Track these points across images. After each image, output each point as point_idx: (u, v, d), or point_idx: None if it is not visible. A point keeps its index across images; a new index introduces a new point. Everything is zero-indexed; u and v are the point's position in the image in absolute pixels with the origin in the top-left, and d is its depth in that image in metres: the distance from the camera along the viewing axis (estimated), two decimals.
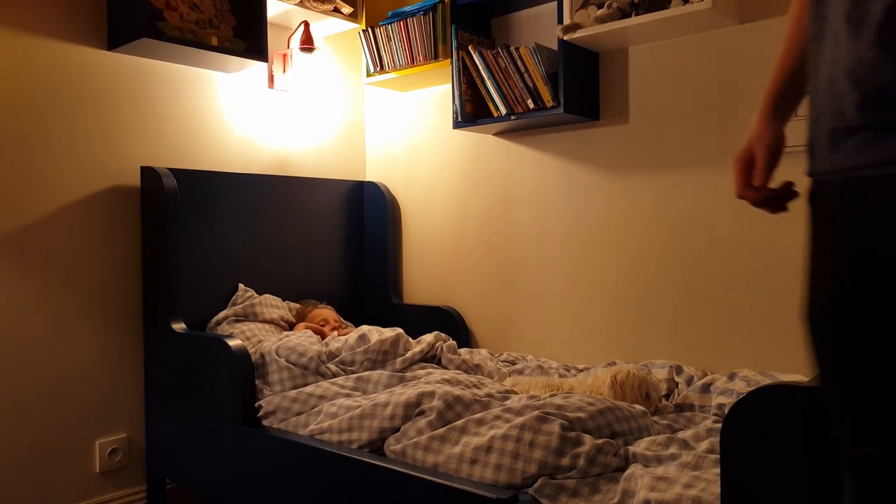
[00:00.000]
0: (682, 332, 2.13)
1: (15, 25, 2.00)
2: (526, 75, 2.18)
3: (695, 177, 2.10)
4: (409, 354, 2.12)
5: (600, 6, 2.08)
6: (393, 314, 2.71)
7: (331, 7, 2.54)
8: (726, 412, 1.24)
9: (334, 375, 2.00)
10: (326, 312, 2.43)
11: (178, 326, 2.11)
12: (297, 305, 2.49)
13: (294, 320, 2.42)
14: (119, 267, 2.21)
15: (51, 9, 2.06)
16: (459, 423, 1.53)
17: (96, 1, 2.16)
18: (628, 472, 1.33)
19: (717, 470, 1.28)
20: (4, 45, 1.98)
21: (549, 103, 2.15)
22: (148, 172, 2.19)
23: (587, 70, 2.24)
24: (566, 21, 2.11)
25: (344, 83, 2.86)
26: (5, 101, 1.98)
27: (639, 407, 1.62)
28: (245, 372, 1.89)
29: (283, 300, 2.47)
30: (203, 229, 2.30)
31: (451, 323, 2.57)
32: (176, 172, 2.22)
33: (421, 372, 2.00)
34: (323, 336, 2.25)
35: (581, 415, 1.49)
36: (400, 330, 2.18)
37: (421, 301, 2.78)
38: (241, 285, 2.39)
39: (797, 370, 1.86)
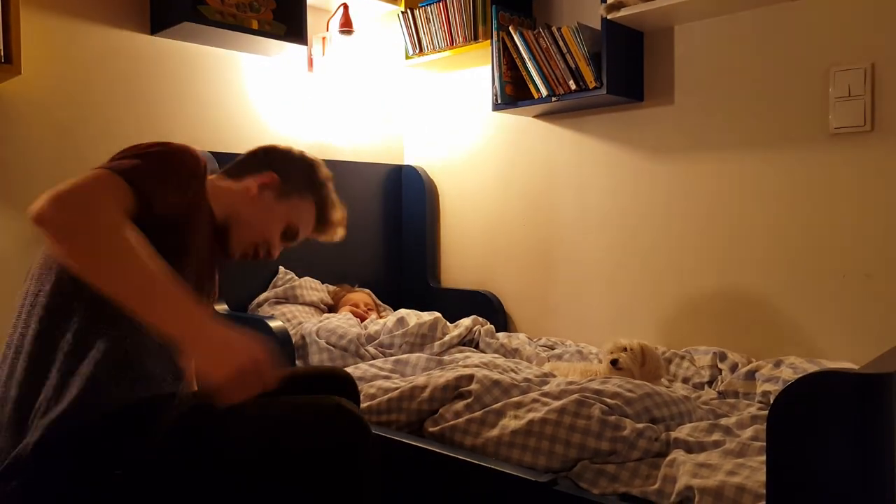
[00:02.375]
0: (727, 318, 2.08)
1: (61, 11, 2.04)
2: (568, 55, 2.14)
3: (742, 160, 2.04)
4: (446, 338, 2.12)
5: None
6: (431, 298, 2.71)
7: None
8: (772, 400, 1.20)
9: (373, 358, 2.01)
10: (357, 296, 2.43)
11: (221, 308, 2.14)
12: (334, 288, 2.50)
13: (332, 303, 2.44)
14: None
15: None
16: (497, 406, 1.52)
17: None
18: (670, 457, 1.31)
19: (762, 458, 1.25)
20: (51, 30, 2.02)
21: (592, 84, 2.11)
22: None
23: (631, 49, 2.19)
24: None
25: (383, 66, 2.85)
26: (52, 87, 2.03)
27: (680, 392, 1.59)
28: (286, 353, 1.92)
29: (323, 283, 2.49)
30: None
31: (489, 307, 2.56)
32: (218, 156, 2.24)
33: (459, 355, 2.00)
34: (362, 319, 2.26)
35: (619, 400, 1.47)
36: (438, 314, 2.18)
37: (459, 285, 2.77)
38: (281, 268, 2.42)
39: (846, 358, 1.80)
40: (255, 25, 2.26)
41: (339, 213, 1.50)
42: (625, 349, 1.79)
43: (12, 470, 1.03)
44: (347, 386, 1.42)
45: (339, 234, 1.53)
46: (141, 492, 1.07)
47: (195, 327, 0.99)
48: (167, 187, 1.11)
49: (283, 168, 1.42)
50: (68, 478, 1.03)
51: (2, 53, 1.76)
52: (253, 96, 2.46)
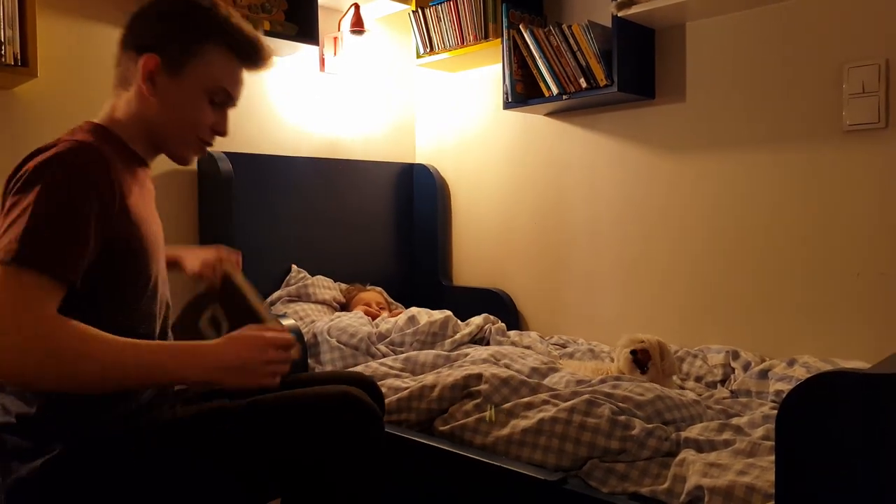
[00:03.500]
0: (740, 316, 2.07)
1: (76, 13, 2.06)
2: (578, 53, 2.14)
3: (754, 157, 2.03)
4: (457, 336, 2.13)
5: None
6: (442, 296, 2.71)
7: None
8: None
9: (384, 356, 2.02)
10: (369, 295, 2.44)
11: None
12: (346, 287, 2.51)
13: (344, 301, 2.46)
14: None
15: None
16: (507, 405, 1.52)
17: None
18: (680, 457, 1.31)
19: (773, 457, 1.24)
20: (66, 33, 2.04)
21: (603, 82, 2.11)
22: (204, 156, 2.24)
23: (642, 47, 2.18)
24: None
25: (394, 65, 2.85)
26: (68, 89, 2.05)
27: (690, 395, 1.59)
28: (298, 351, 1.93)
29: (335, 281, 2.50)
30: (257, 212, 2.35)
31: (500, 305, 2.57)
32: (231, 156, 2.27)
33: (469, 350, 2.00)
34: (374, 318, 2.27)
35: (630, 404, 1.46)
36: (449, 312, 2.19)
37: (470, 283, 2.77)
38: (293, 266, 2.43)
39: (861, 357, 1.79)
40: (266, 26, 2.27)
41: (250, 31, 1.19)
42: (641, 342, 1.78)
43: (23, 427, 1.06)
44: (370, 391, 1.39)
45: (269, 57, 1.22)
46: (148, 473, 1.08)
47: (202, 367, 1.04)
48: (77, 246, 1.00)
49: (156, 41, 1.16)
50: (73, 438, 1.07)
51: (18, 56, 1.78)
52: (265, 96, 2.47)
